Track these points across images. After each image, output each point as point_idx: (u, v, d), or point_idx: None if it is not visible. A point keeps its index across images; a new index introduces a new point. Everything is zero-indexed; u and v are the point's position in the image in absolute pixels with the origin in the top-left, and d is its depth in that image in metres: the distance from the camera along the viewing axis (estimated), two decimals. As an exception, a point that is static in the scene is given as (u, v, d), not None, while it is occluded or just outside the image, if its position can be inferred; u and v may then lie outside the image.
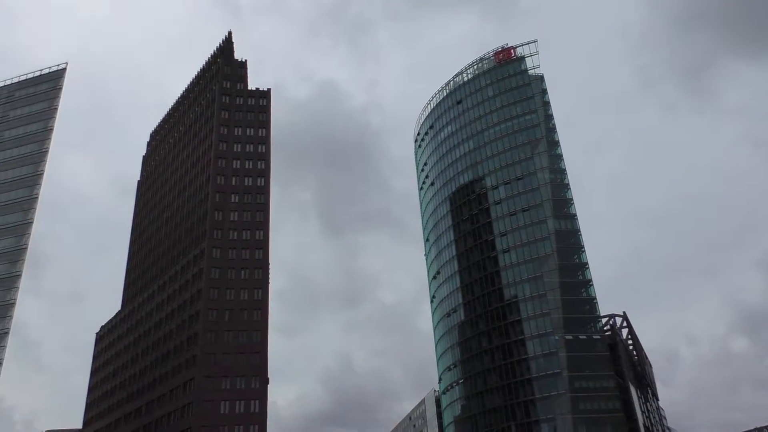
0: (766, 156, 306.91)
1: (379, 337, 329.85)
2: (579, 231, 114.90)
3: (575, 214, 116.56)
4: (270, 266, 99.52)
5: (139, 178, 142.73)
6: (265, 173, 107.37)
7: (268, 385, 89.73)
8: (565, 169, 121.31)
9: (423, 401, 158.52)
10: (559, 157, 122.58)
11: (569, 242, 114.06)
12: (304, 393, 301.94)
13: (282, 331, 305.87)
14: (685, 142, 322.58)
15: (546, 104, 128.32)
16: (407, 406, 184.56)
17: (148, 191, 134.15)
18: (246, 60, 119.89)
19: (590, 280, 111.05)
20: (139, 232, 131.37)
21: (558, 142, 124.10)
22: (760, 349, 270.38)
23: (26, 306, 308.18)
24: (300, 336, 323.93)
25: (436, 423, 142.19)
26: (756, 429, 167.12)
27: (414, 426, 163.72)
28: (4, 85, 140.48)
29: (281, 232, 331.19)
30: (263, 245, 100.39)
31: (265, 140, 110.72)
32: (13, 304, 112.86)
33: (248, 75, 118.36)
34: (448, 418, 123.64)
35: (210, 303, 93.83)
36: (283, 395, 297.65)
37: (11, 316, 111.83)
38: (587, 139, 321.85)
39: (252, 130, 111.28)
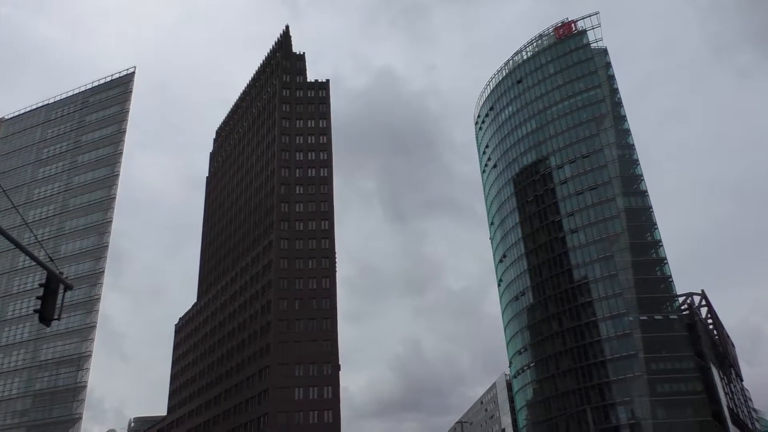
0: None
1: (448, 323, 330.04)
2: (651, 208, 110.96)
3: (646, 191, 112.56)
4: (336, 255, 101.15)
5: (207, 174, 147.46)
6: (328, 164, 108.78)
7: (340, 372, 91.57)
8: (633, 145, 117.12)
9: (494, 385, 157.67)
10: (627, 132, 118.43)
11: (640, 219, 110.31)
12: (375, 379, 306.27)
13: (351, 319, 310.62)
14: (763, 109, 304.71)
15: (610, 78, 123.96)
16: (479, 391, 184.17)
17: (216, 186, 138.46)
18: (304, 53, 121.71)
19: (664, 258, 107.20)
20: (210, 226, 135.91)
21: (625, 116, 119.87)
22: None
23: (110, 300, 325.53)
24: (369, 323, 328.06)
25: (508, 407, 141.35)
26: None
27: (486, 410, 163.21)
28: (80, 92, 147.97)
29: (346, 221, 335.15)
30: (329, 234, 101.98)
31: (326, 131, 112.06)
32: (98, 299, 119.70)
33: (307, 67, 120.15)
34: (520, 402, 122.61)
35: (280, 293, 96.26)
36: (355, 381, 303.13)
37: (97, 311, 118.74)
38: (658, 112, 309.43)
39: (313, 121, 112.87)
